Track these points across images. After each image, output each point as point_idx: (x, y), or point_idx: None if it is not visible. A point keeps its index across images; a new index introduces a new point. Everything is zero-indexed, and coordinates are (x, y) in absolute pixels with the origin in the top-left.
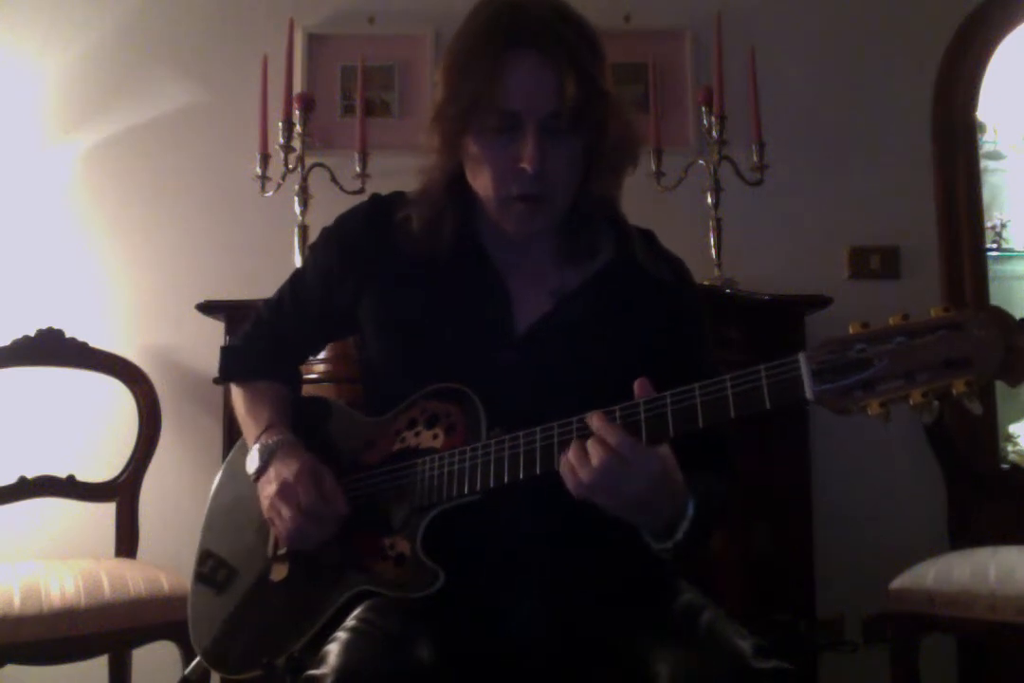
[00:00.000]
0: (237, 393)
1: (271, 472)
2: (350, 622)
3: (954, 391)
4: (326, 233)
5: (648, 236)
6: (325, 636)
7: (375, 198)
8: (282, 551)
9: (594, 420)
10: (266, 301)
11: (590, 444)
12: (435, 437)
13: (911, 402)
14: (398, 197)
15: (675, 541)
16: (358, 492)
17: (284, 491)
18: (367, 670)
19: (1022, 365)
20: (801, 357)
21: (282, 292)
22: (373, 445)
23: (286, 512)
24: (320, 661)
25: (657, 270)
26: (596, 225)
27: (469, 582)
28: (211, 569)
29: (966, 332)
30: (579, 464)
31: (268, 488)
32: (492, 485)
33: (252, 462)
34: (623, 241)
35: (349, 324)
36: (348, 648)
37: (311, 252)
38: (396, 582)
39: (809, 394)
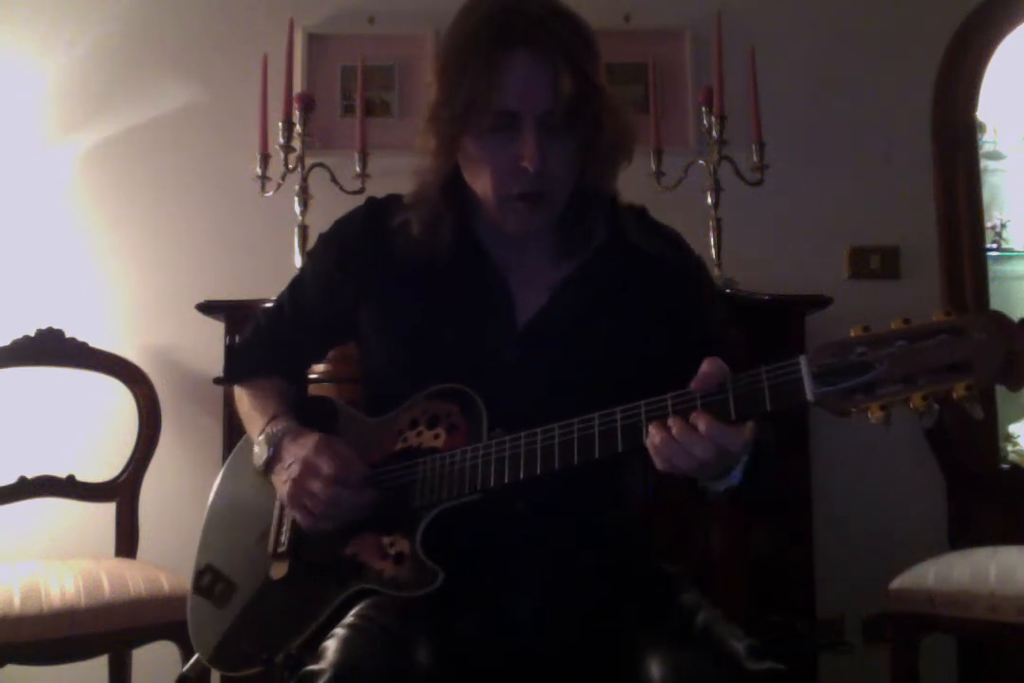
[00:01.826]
0: (241, 393)
1: (286, 457)
2: (349, 619)
3: (955, 395)
4: (324, 238)
5: (640, 212)
6: (324, 634)
7: (371, 201)
8: (283, 548)
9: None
10: (264, 309)
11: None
12: (437, 437)
13: (911, 405)
14: (394, 200)
15: (728, 484)
16: None
17: (307, 467)
18: (365, 666)
19: (1023, 369)
20: (802, 359)
21: (281, 299)
22: (375, 444)
23: (316, 486)
24: (318, 657)
25: (651, 245)
26: (592, 219)
27: (468, 581)
28: (211, 570)
29: (967, 336)
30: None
31: (287, 472)
32: (493, 485)
33: (260, 453)
34: (615, 222)
35: (349, 329)
36: (346, 644)
37: (309, 258)
38: (395, 581)
39: (810, 396)
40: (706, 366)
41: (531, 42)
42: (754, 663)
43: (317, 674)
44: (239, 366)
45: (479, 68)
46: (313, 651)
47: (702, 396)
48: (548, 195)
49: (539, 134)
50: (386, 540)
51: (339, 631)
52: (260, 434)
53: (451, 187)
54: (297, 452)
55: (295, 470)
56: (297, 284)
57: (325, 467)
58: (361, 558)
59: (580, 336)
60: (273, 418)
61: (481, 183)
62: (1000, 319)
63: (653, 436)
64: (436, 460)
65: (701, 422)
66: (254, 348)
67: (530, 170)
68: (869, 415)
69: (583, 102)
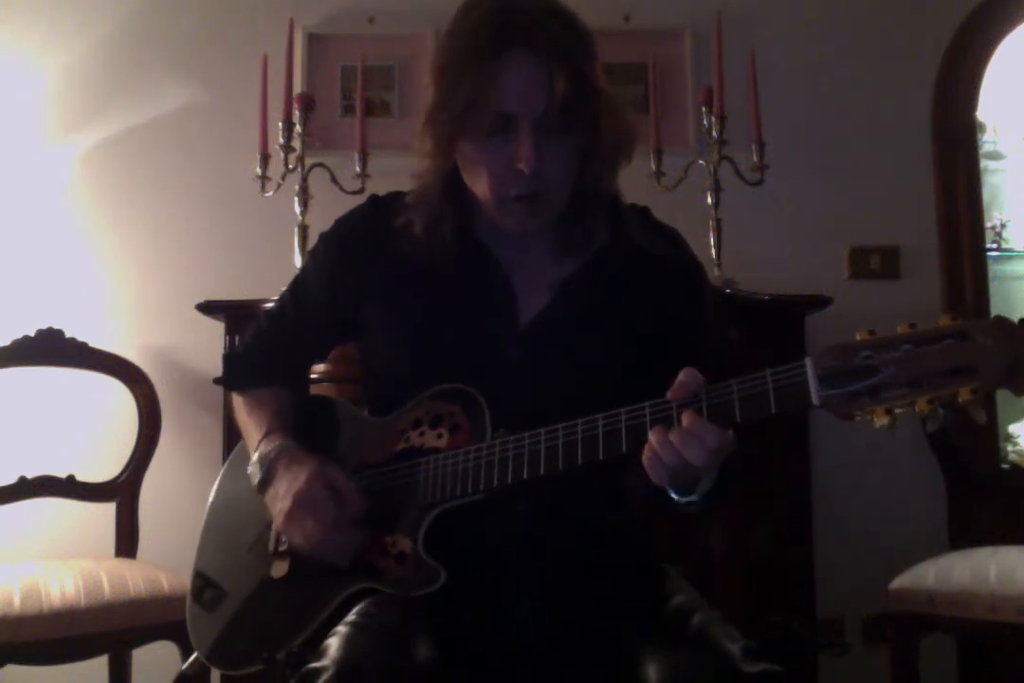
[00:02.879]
0: (238, 401)
1: (279, 485)
2: (351, 617)
3: (960, 399)
4: (325, 238)
5: (643, 213)
6: (325, 632)
7: (373, 199)
8: (283, 547)
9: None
10: (266, 311)
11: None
12: (439, 437)
13: (917, 409)
14: (396, 198)
15: (699, 493)
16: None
17: (300, 504)
18: (367, 663)
19: None
20: (807, 362)
21: (283, 300)
22: (377, 444)
23: (308, 527)
24: (321, 654)
25: (653, 245)
26: (593, 217)
27: (468, 581)
28: (202, 576)
29: (972, 341)
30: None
31: (280, 504)
32: (496, 485)
33: (254, 473)
34: (617, 220)
35: (352, 328)
36: (349, 641)
37: (311, 258)
38: (397, 580)
39: (815, 399)
40: (682, 376)
41: (529, 44)
42: (749, 665)
43: (319, 671)
44: (238, 373)
45: (476, 70)
46: (314, 649)
47: (708, 398)
48: (545, 196)
49: (535, 136)
50: (388, 539)
51: (341, 629)
52: (255, 451)
53: (451, 187)
54: (290, 482)
55: (287, 504)
56: (299, 283)
57: (320, 509)
58: (363, 557)
59: (582, 335)
60: (267, 435)
61: (479, 185)
62: (1005, 324)
63: (652, 439)
64: (439, 460)
65: (688, 421)
66: (254, 353)
67: (526, 172)
68: (874, 419)
69: (579, 103)
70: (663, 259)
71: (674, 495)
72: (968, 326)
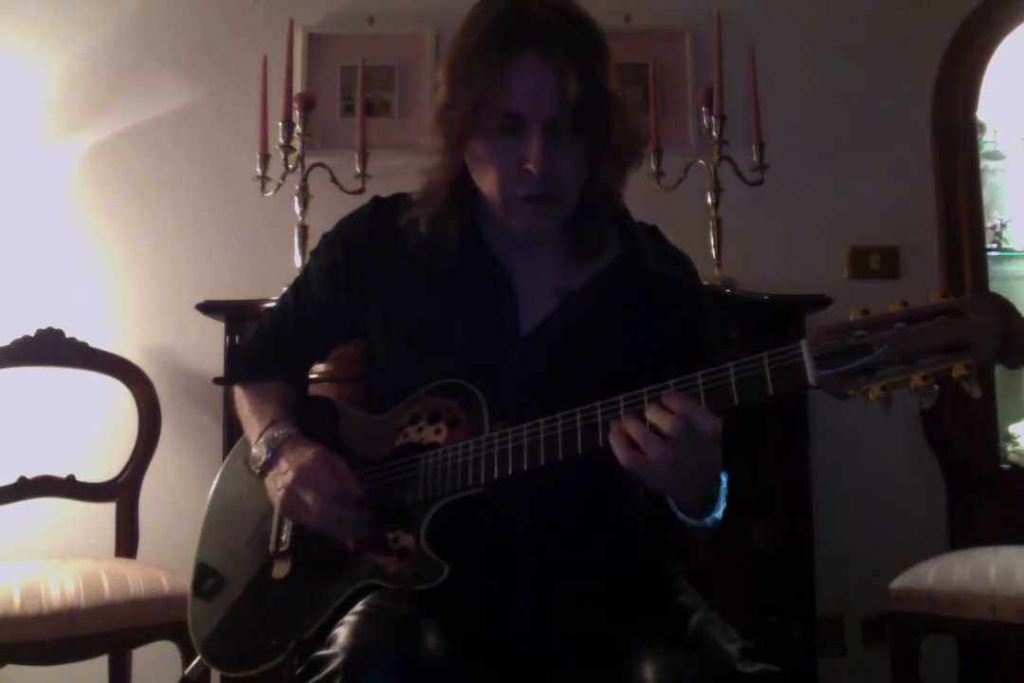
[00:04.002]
0: (240, 394)
1: (283, 463)
2: (359, 607)
3: (954, 374)
4: (328, 238)
5: (653, 232)
6: (330, 628)
7: (377, 200)
8: (284, 547)
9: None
10: (268, 309)
11: (655, 412)
12: (438, 432)
13: (912, 386)
14: (400, 199)
15: (713, 518)
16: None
17: (303, 477)
18: (376, 650)
19: (1020, 348)
20: (803, 344)
21: (285, 300)
22: (376, 441)
23: (309, 497)
24: (329, 642)
25: (662, 267)
26: (601, 222)
27: (469, 576)
28: (204, 567)
29: (964, 317)
30: (645, 440)
31: (282, 479)
32: (496, 477)
33: (258, 455)
34: (628, 238)
35: (354, 328)
36: (357, 630)
37: (313, 258)
38: (400, 576)
39: (811, 379)
40: None
41: (541, 45)
42: (746, 665)
43: (329, 659)
44: (241, 368)
45: (488, 70)
46: (320, 643)
47: (704, 382)
48: (555, 197)
49: (545, 137)
50: (390, 535)
51: (349, 618)
52: (260, 437)
53: (459, 186)
54: (295, 460)
55: (289, 477)
56: (300, 284)
57: (321, 481)
58: (365, 554)
59: (587, 343)
60: (273, 423)
61: (487, 183)
62: (997, 300)
63: (619, 430)
64: (438, 454)
65: (667, 400)
66: (257, 349)
67: (535, 173)
68: (869, 395)
69: (590, 106)
70: (671, 282)
71: (680, 514)
72: (960, 302)
